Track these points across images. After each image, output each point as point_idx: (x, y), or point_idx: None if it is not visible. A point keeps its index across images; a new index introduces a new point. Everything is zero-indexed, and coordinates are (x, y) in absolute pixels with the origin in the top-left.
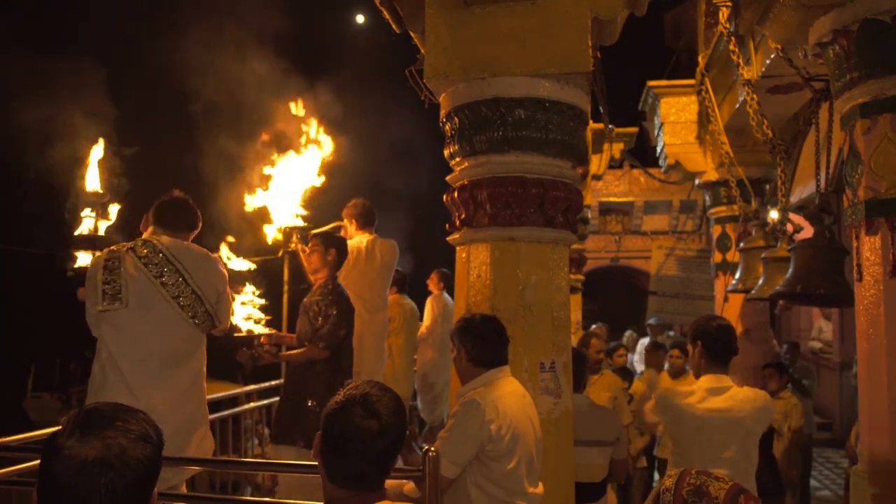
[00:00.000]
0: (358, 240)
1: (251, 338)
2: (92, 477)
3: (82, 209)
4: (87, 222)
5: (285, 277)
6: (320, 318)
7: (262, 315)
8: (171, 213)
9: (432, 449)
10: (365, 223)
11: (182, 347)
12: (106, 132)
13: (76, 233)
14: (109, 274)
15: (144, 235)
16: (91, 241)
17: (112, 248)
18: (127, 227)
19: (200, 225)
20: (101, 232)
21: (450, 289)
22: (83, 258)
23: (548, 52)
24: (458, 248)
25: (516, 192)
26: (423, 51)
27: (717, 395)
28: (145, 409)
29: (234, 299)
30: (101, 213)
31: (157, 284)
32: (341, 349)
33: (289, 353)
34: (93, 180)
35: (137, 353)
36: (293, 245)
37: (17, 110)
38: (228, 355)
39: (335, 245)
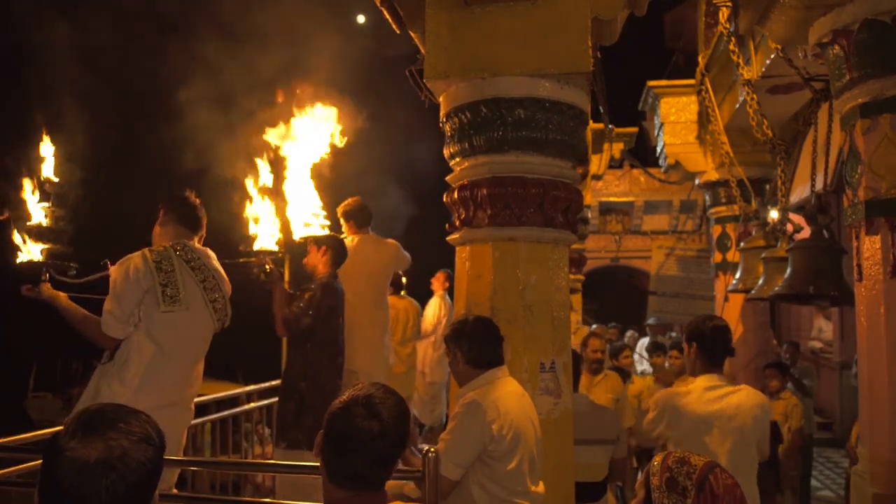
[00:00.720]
0: (349, 239)
1: (261, 258)
2: (93, 478)
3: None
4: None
5: (286, 277)
6: (294, 302)
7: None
8: (191, 216)
9: (432, 449)
10: (358, 223)
11: (206, 349)
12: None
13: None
14: (164, 276)
15: (172, 238)
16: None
17: (156, 248)
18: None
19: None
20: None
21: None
22: (23, 254)
23: (548, 53)
24: (457, 248)
25: (516, 192)
26: (422, 51)
27: (713, 392)
28: (174, 409)
29: None
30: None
31: (200, 288)
32: (318, 347)
33: (281, 289)
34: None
35: (181, 354)
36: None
37: None
38: (220, 351)
39: (327, 243)
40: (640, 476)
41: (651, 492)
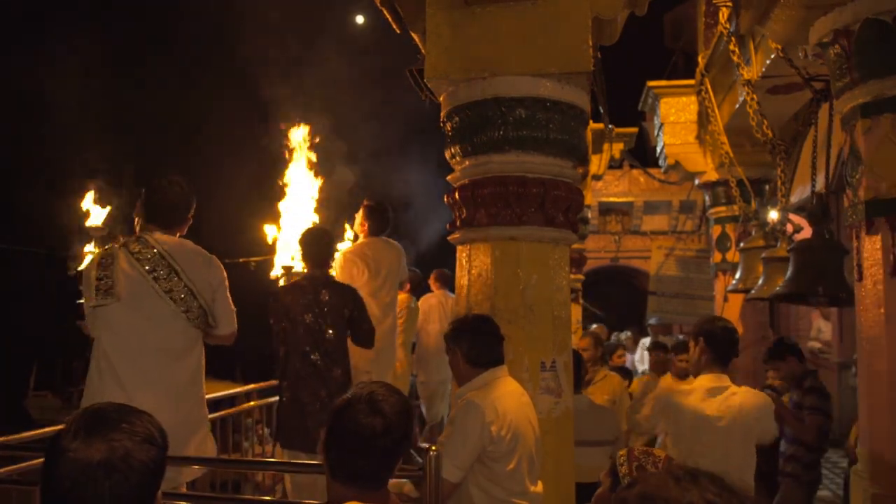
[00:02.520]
0: (359, 243)
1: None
2: (96, 480)
3: (85, 244)
4: (89, 257)
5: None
6: None
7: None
8: (161, 208)
9: (433, 448)
10: (373, 229)
11: (176, 343)
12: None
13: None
14: (103, 270)
15: (137, 231)
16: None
17: (107, 245)
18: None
19: (192, 213)
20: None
21: (448, 289)
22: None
23: (548, 52)
24: (458, 248)
25: (517, 191)
26: (423, 50)
27: (717, 394)
28: (144, 406)
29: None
30: (102, 243)
31: (149, 279)
32: (289, 348)
33: None
34: (95, 216)
35: (130, 348)
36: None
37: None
38: (220, 351)
39: (309, 257)
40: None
41: (621, 479)
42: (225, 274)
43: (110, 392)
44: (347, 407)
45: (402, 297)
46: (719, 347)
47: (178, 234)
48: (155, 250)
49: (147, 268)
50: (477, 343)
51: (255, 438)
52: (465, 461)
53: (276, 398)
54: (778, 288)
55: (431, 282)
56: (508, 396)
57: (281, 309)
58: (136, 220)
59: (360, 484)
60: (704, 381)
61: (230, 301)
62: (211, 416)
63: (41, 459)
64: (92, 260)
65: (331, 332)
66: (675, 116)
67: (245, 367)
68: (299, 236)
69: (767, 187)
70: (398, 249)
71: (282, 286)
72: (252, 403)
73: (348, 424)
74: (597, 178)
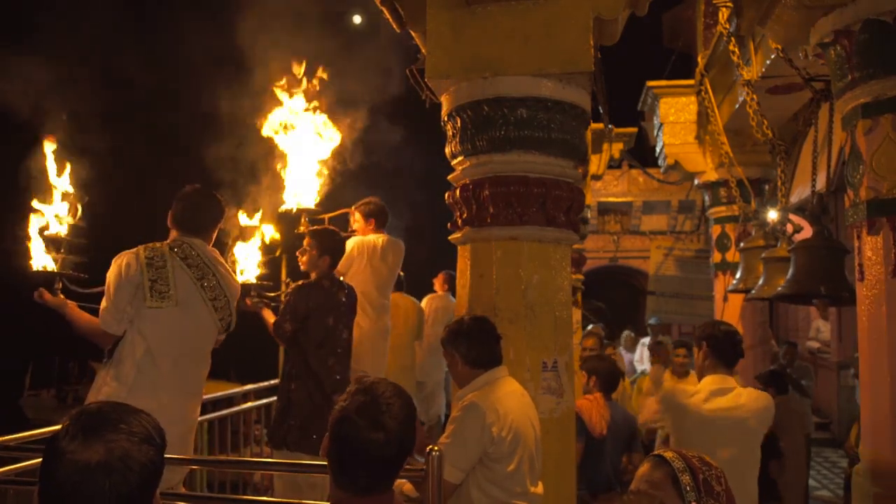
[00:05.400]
0: (374, 238)
1: (245, 286)
2: (95, 481)
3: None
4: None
5: (283, 277)
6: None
7: (256, 262)
8: (195, 216)
9: (435, 448)
10: (379, 223)
11: (208, 348)
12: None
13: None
14: (156, 272)
15: (174, 237)
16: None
17: (151, 245)
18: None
19: (222, 218)
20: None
21: (454, 291)
22: (43, 259)
23: (549, 52)
24: (459, 248)
25: (519, 191)
26: (423, 50)
27: (722, 395)
28: (171, 407)
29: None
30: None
31: (199, 286)
32: (304, 349)
33: (269, 315)
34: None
35: (177, 351)
36: (302, 228)
37: None
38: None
39: (330, 253)
40: (644, 469)
41: (685, 492)
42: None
43: (140, 393)
44: (349, 420)
45: (394, 295)
46: (722, 350)
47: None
48: (199, 257)
49: (196, 274)
50: (475, 344)
51: (252, 439)
52: (465, 462)
53: (274, 398)
54: (780, 288)
55: (439, 283)
56: (509, 397)
57: (305, 309)
58: (171, 228)
59: (363, 491)
60: (710, 382)
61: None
62: (210, 415)
63: (39, 460)
64: (132, 258)
65: (345, 334)
66: (675, 116)
67: (238, 367)
68: (317, 233)
69: (767, 187)
70: (403, 248)
71: (306, 284)
72: (250, 404)
73: (349, 438)
74: (596, 177)
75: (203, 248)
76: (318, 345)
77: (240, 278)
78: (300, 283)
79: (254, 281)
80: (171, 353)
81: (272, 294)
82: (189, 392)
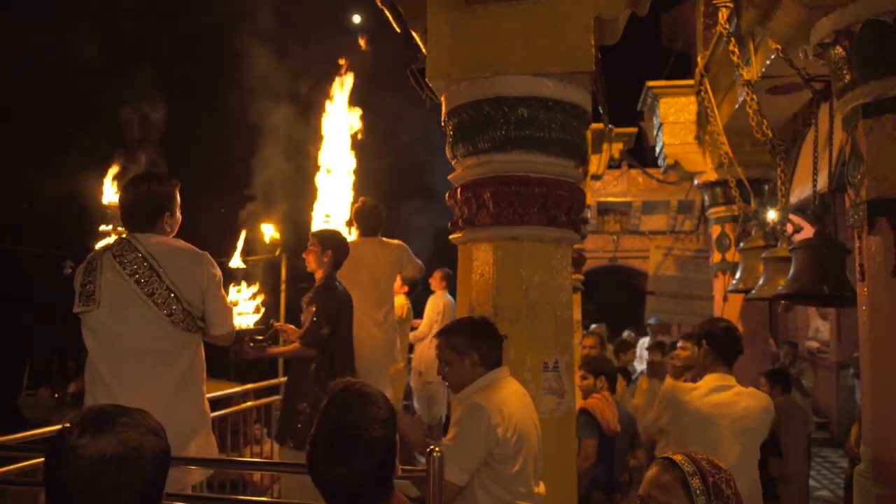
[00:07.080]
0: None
1: (240, 333)
2: (109, 473)
3: (100, 224)
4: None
5: (283, 276)
6: (304, 315)
7: (251, 309)
8: (142, 209)
9: (437, 449)
10: (369, 229)
11: (161, 347)
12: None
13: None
14: (88, 276)
15: (124, 233)
16: None
17: (95, 249)
18: None
19: (170, 211)
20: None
21: (452, 289)
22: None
23: (550, 52)
24: (460, 248)
25: (519, 191)
26: (424, 50)
27: (721, 393)
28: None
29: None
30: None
31: (130, 283)
32: (333, 350)
33: (277, 349)
34: (109, 194)
35: (113, 354)
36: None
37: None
38: (218, 350)
39: (332, 246)
40: (653, 473)
41: (695, 496)
42: (218, 272)
43: (101, 396)
44: (311, 462)
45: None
46: (722, 348)
47: (170, 234)
48: (139, 253)
49: (128, 271)
50: (492, 345)
51: (252, 438)
52: (471, 464)
53: (275, 398)
54: (780, 287)
55: (436, 281)
56: (513, 398)
57: (337, 310)
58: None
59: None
60: (709, 380)
61: (225, 300)
62: (211, 416)
63: (39, 460)
64: (79, 266)
65: (351, 339)
66: (675, 116)
67: (238, 367)
68: (319, 233)
69: (767, 187)
70: (397, 248)
71: (324, 287)
72: (250, 403)
73: (317, 479)
74: (596, 177)
75: (152, 241)
76: (347, 351)
77: (237, 320)
78: (317, 286)
79: (251, 326)
80: (107, 355)
81: (262, 337)
82: (151, 395)
